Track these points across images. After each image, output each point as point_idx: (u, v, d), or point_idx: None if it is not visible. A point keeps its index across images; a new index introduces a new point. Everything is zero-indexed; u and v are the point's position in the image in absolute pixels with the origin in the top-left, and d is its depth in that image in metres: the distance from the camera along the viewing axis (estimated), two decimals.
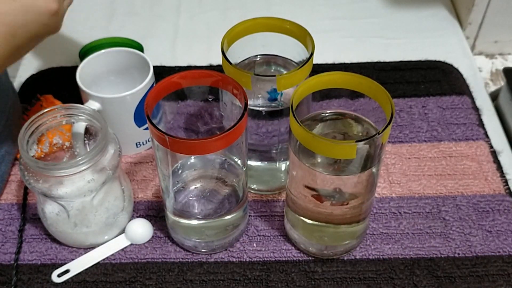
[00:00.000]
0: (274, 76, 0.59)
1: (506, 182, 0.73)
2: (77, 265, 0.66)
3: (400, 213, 0.70)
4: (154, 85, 0.72)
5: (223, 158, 0.66)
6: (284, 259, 0.66)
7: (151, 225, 0.69)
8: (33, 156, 0.62)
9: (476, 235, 0.68)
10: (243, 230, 0.68)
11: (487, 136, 0.78)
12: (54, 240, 0.68)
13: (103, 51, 0.75)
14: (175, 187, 0.66)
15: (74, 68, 0.74)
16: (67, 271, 0.66)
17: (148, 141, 0.78)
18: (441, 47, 0.93)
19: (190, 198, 0.67)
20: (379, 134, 0.53)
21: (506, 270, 0.65)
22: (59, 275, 0.65)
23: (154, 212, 0.71)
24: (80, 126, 0.64)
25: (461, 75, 0.87)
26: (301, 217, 0.63)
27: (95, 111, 0.63)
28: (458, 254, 0.66)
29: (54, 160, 0.67)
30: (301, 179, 0.59)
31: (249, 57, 0.67)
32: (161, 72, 0.73)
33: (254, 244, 0.68)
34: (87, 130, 0.65)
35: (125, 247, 0.68)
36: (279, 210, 0.71)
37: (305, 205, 0.61)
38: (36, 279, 0.65)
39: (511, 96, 0.81)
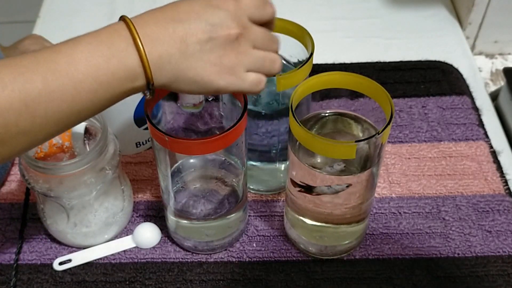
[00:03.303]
0: (274, 76, 0.59)
1: (506, 182, 0.73)
2: (79, 257, 0.66)
3: (399, 213, 0.70)
4: None
5: (223, 158, 0.66)
6: (283, 259, 0.66)
7: (160, 231, 0.69)
8: (33, 156, 0.62)
9: (476, 235, 0.68)
10: (242, 230, 0.68)
11: (487, 136, 0.78)
12: (54, 240, 0.68)
13: None
14: (175, 187, 0.66)
15: None
16: (68, 261, 0.66)
17: (148, 141, 0.77)
18: (441, 47, 0.92)
19: (190, 198, 0.67)
20: (378, 134, 0.53)
21: (505, 270, 0.65)
22: (60, 263, 0.66)
23: (153, 212, 0.71)
24: (79, 126, 0.64)
25: (461, 75, 0.87)
26: (301, 217, 0.63)
27: None
28: (458, 254, 0.66)
29: (54, 160, 0.67)
30: (301, 179, 0.59)
31: None
32: None
33: (254, 244, 0.68)
34: (86, 130, 0.65)
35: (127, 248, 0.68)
36: (278, 210, 0.71)
37: (305, 205, 0.61)
38: (36, 279, 0.65)
39: (511, 96, 0.81)
